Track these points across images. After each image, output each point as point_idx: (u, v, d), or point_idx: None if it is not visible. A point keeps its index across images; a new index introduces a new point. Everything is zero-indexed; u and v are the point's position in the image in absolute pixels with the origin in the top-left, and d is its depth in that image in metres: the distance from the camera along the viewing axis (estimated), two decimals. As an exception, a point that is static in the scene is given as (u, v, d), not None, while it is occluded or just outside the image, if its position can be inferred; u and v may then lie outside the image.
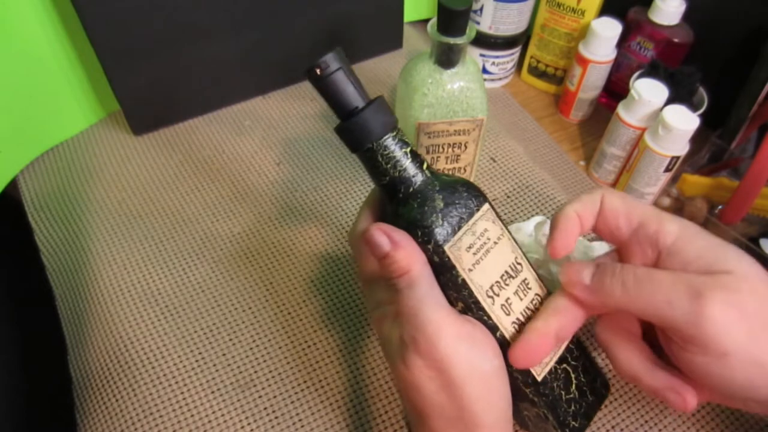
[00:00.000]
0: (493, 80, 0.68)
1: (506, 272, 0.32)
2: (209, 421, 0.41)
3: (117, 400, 0.43)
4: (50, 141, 0.59)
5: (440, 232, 0.30)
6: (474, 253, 0.31)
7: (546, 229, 0.49)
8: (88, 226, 0.53)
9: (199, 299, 0.48)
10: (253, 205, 0.55)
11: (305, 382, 0.43)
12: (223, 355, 0.45)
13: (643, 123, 0.52)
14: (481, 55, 0.66)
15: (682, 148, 0.50)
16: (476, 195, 0.32)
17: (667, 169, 0.51)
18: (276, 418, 0.42)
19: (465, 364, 0.27)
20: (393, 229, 0.29)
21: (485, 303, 0.30)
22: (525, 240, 0.48)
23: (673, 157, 0.50)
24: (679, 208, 0.56)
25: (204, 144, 0.60)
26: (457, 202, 0.31)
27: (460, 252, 0.30)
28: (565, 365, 0.33)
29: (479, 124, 0.47)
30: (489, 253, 0.31)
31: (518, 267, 0.32)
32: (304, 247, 0.51)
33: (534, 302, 0.32)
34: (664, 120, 0.49)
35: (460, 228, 0.30)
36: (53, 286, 0.51)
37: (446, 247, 0.30)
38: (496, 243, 0.32)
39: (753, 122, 0.54)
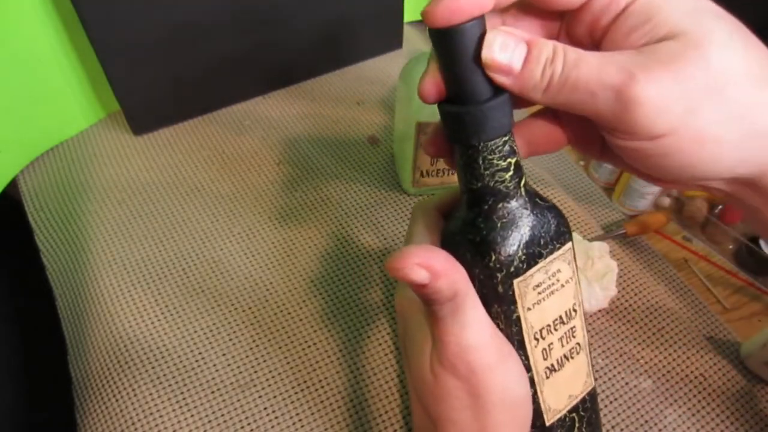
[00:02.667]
0: (493, 80, 0.68)
1: (560, 317, 0.30)
2: (209, 421, 0.41)
3: (117, 400, 0.43)
4: (50, 141, 0.59)
5: (517, 265, 0.27)
6: (539, 293, 0.28)
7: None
8: (88, 226, 0.53)
9: (198, 299, 0.48)
10: (253, 205, 0.55)
11: (305, 382, 0.43)
12: (223, 355, 0.45)
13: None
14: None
15: (682, 148, 0.50)
16: (564, 231, 0.29)
17: (667, 169, 0.51)
18: (276, 418, 0.42)
19: (499, 392, 0.26)
20: (430, 257, 0.25)
21: (530, 345, 0.29)
22: None
23: (673, 157, 0.50)
24: (679, 208, 0.56)
25: (204, 144, 0.60)
26: (543, 235, 0.28)
27: (527, 289, 0.28)
28: (574, 414, 0.32)
29: None
30: (552, 296, 0.29)
31: (573, 314, 0.30)
32: (304, 247, 0.51)
33: (572, 352, 0.31)
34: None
35: (536, 264, 0.27)
36: (53, 286, 0.51)
37: (515, 281, 0.27)
38: (563, 286, 0.29)
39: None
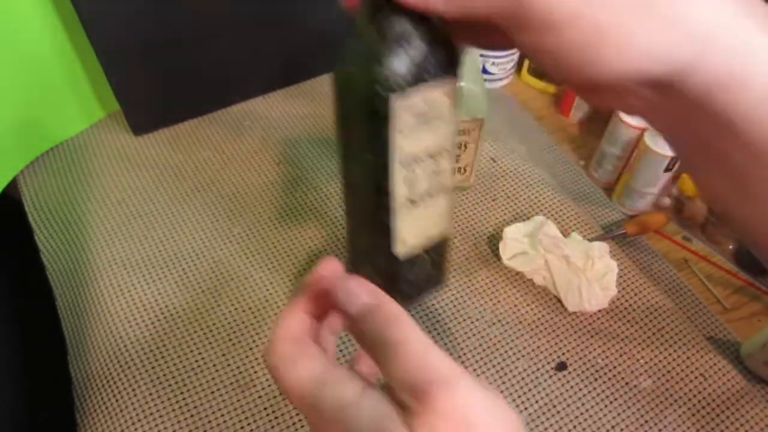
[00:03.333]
0: (493, 80, 0.68)
1: (431, 153, 0.31)
2: (209, 421, 0.41)
3: (117, 400, 0.43)
4: (50, 141, 0.59)
5: (398, 80, 0.27)
6: (415, 121, 0.29)
7: (547, 228, 0.49)
8: (87, 226, 0.53)
9: (198, 299, 0.48)
10: (253, 205, 0.55)
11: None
12: (223, 355, 0.45)
13: (643, 123, 0.52)
14: (481, 56, 0.66)
15: (682, 148, 0.50)
16: (452, 63, 0.29)
17: (667, 169, 0.51)
18: (276, 418, 0.42)
19: (488, 416, 0.22)
20: (364, 281, 0.24)
21: (395, 169, 0.29)
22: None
23: (673, 158, 0.50)
24: (679, 208, 0.56)
25: (204, 144, 0.60)
26: (431, 59, 0.28)
27: (403, 111, 0.28)
28: (425, 254, 0.35)
29: (479, 124, 0.47)
30: (428, 128, 0.30)
31: (444, 154, 0.31)
32: (304, 247, 0.51)
33: (436, 191, 0.32)
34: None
35: (417, 84, 0.27)
36: (53, 286, 0.51)
37: (395, 101, 0.27)
38: (440, 123, 0.30)
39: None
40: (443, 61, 0.28)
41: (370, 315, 0.24)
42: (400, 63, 0.27)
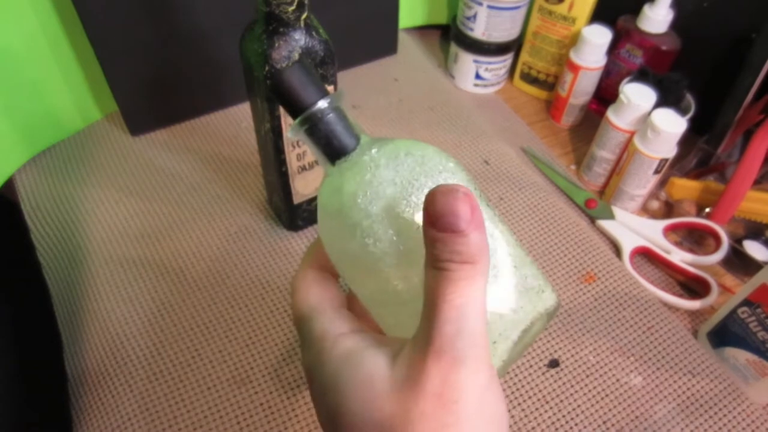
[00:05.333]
0: (485, 86, 0.70)
1: None
2: (204, 417, 0.42)
3: (113, 397, 0.43)
4: (47, 140, 0.59)
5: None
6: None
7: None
8: (84, 225, 0.53)
9: (194, 297, 0.48)
10: (250, 206, 0.55)
11: (301, 378, 0.44)
12: (219, 351, 0.45)
13: (632, 126, 0.53)
14: (475, 61, 0.67)
15: (670, 151, 0.51)
16: (328, 62, 0.40)
17: (656, 171, 0.53)
18: (272, 413, 0.42)
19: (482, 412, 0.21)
20: (474, 202, 0.21)
21: (287, 149, 0.41)
22: None
23: (661, 160, 0.51)
24: (668, 210, 0.58)
25: (201, 145, 0.60)
26: (310, 60, 0.38)
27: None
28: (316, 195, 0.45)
29: None
30: None
31: None
32: (300, 246, 0.52)
33: None
34: (652, 123, 0.50)
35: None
36: (49, 285, 0.51)
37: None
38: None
39: (738, 127, 0.56)
40: (320, 59, 0.39)
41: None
42: (285, 63, 0.37)
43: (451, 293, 0.20)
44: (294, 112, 0.25)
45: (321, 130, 0.25)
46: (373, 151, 0.25)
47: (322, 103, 0.25)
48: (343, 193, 0.24)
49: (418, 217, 0.23)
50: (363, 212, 0.23)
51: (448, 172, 0.26)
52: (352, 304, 0.27)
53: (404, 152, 0.25)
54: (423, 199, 0.22)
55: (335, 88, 0.41)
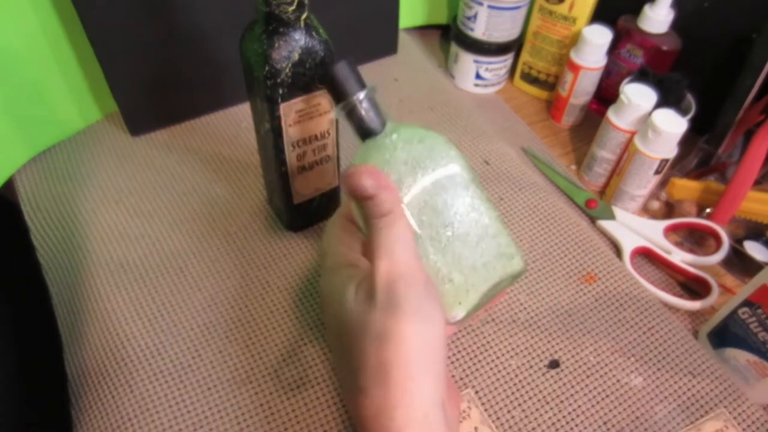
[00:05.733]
0: (486, 86, 0.69)
1: (315, 135, 0.43)
2: (205, 417, 0.42)
3: (113, 397, 0.43)
4: (47, 141, 0.59)
5: (283, 78, 0.37)
6: (300, 116, 0.40)
7: None
8: (84, 225, 0.53)
9: (195, 297, 0.48)
10: (249, 206, 0.55)
11: (301, 379, 0.44)
12: (219, 352, 0.45)
13: (632, 126, 0.53)
14: (475, 61, 0.67)
15: (670, 151, 0.51)
16: (327, 63, 0.39)
17: (657, 172, 0.53)
18: (272, 414, 0.42)
19: (413, 334, 0.30)
20: (379, 175, 0.31)
21: (288, 149, 0.42)
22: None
23: (662, 160, 0.51)
24: (668, 211, 0.57)
25: (201, 145, 0.60)
26: (310, 61, 0.38)
27: (290, 111, 0.39)
28: (317, 196, 0.49)
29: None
30: (311, 120, 0.41)
31: (327, 135, 0.43)
32: (301, 246, 0.52)
33: (322, 160, 0.45)
34: (653, 123, 0.50)
35: (299, 80, 0.38)
36: (49, 285, 0.51)
37: (281, 106, 0.39)
38: (320, 115, 0.41)
39: (739, 128, 0.56)
40: (320, 60, 0.39)
41: (370, 204, 0.31)
42: (285, 63, 0.37)
43: (380, 239, 0.31)
44: (337, 99, 0.34)
45: (356, 114, 0.33)
46: (394, 136, 0.33)
47: (360, 95, 0.33)
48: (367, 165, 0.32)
49: (419, 188, 0.32)
50: None
51: (448, 159, 0.33)
52: (366, 247, 0.35)
53: (417, 139, 0.33)
54: (426, 175, 0.32)
55: None
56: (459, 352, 0.46)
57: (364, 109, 0.33)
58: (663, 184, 0.56)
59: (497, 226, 0.34)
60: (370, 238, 0.31)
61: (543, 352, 0.46)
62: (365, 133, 0.33)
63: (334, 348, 0.35)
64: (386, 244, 0.30)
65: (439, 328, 0.31)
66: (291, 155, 0.43)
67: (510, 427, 0.42)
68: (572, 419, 0.43)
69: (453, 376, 0.44)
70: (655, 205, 0.58)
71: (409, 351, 0.29)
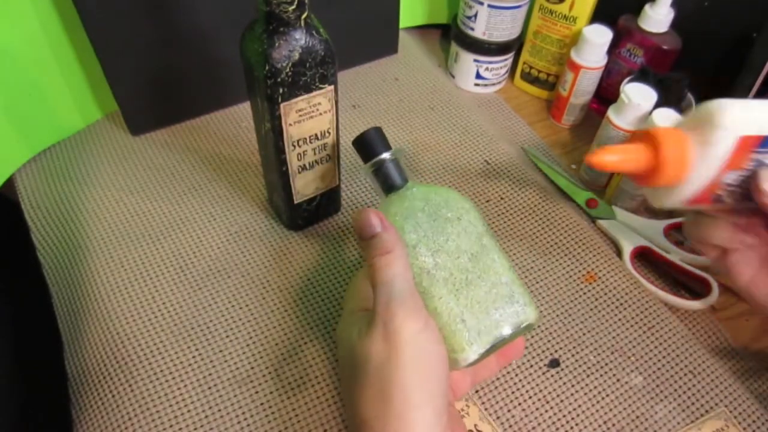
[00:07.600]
0: (486, 86, 0.69)
1: (316, 135, 0.43)
2: (205, 417, 0.42)
3: (113, 396, 0.43)
4: (48, 140, 0.59)
5: (283, 78, 0.38)
6: (300, 116, 0.41)
7: None
8: (84, 225, 0.53)
9: (195, 296, 0.48)
10: (250, 205, 0.55)
11: (301, 378, 0.44)
12: (220, 351, 0.45)
13: (632, 126, 0.53)
14: (475, 61, 0.67)
15: (671, 151, 0.51)
16: (328, 62, 0.39)
17: (657, 172, 0.52)
18: (273, 413, 0.42)
19: (414, 352, 0.31)
20: (383, 217, 0.34)
21: (288, 149, 0.43)
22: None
23: (662, 160, 0.51)
24: (669, 210, 0.57)
25: (201, 145, 0.60)
26: (310, 60, 0.38)
27: (290, 110, 0.40)
28: (317, 196, 0.49)
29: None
30: (311, 119, 0.42)
31: (327, 134, 0.44)
32: (301, 246, 0.52)
33: (322, 159, 0.46)
34: (653, 123, 0.50)
35: (299, 80, 0.39)
36: (49, 284, 0.51)
37: (282, 105, 0.39)
38: (321, 114, 0.42)
39: (739, 127, 0.56)
40: (320, 59, 0.39)
41: (370, 246, 0.33)
42: (285, 62, 0.37)
43: (381, 276, 0.32)
44: (366, 158, 0.39)
45: (381, 173, 0.39)
46: (414, 189, 0.38)
47: (386, 155, 0.39)
48: (389, 214, 0.36)
49: (436, 232, 0.35)
50: (398, 224, 0.35)
51: (463, 209, 0.36)
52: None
53: (435, 192, 0.37)
54: (442, 222, 0.36)
55: (335, 88, 0.42)
56: (459, 351, 0.46)
57: (388, 167, 0.38)
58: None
59: (511, 276, 0.36)
60: (371, 276, 0.33)
61: (543, 351, 0.46)
62: (388, 188, 0.38)
63: (344, 389, 0.37)
64: (386, 280, 0.32)
65: (439, 362, 0.32)
66: (291, 155, 0.43)
67: (510, 426, 0.42)
68: (572, 418, 0.43)
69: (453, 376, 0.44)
70: (656, 204, 0.57)
71: (407, 379, 0.30)
